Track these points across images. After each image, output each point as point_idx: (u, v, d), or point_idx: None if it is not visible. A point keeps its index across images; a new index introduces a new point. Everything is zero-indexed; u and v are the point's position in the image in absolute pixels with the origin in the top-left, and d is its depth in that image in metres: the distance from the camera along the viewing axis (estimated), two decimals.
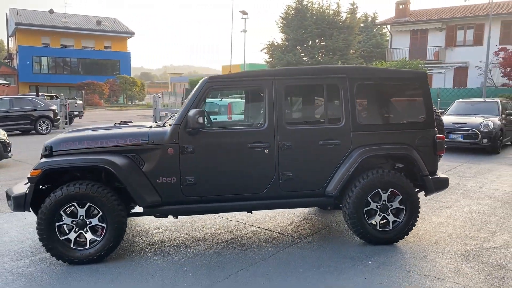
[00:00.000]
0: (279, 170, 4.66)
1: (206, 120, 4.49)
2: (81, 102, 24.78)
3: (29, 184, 4.55)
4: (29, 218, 5.82)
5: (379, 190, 4.74)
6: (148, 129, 4.65)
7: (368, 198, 4.73)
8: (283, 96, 4.69)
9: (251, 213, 4.90)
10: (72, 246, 4.33)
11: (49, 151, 4.43)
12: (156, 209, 4.54)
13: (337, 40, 35.61)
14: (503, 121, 11.90)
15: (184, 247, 4.84)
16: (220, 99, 15.43)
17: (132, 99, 48.27)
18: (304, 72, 4.87)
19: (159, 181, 4.50)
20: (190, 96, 4.66)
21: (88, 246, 4.36)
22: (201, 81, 4.66)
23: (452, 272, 4.08)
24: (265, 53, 38.70)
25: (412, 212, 4.78)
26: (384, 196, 4.76)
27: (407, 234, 4.81)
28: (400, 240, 4.82)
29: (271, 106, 4.65)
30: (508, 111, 12.51)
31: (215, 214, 5.89)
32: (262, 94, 4.73)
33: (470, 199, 6.80)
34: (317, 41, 37.30)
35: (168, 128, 4.58)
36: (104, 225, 4.36)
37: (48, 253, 4.30)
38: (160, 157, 4.49)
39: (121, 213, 4.39)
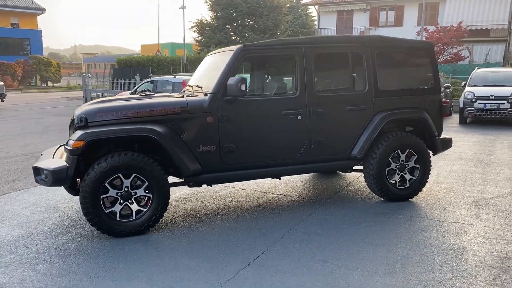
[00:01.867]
0: (310, 136, 4.87)
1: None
2: (2, 83, 22.61)
3: (63, 157, 4.31)
4: (31, 198, 5.47)
5: (399, 151, 5.15)
6: (185, 98, 4.60)
7: (389, 159, 5.13)
8: (313, 64, 4.88)
9: (280, 178, 5.09)
10: (117, 218, 4.22)
11: (84, 122, 4.22)
12: (197, 178, 4.55)
13: (267, 19, 35.99)
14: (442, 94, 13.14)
15: (220, 214, 4.91)
16: (174, 76, 15.14)
17: (46, 81, 44.92)
18: (331, 41, 5.10)
19: (199, 150, 4.50)
20: (224, 66, 4.66)
21: (134, 217, 4.27)
22: (235, 49, 4.69)
23: (474, 218, 4.63)
24: (194, 31, 38.02)
25: (425, 170, 5.27)
26: (402, 157, 5.19)
27: (421, 190, 5.30)
28: (415, 196, 5.30)
29: (302, 74, 4.82)
30: (446, 84, 13.79)
31: (225, 184, 5.97)
32: (293, 63, 4.88)
33: (445, 161, 7.55)
34: (246, 20, 37.39)
35: (205, 97, 4.57)
36: (150, 195, 4.28)
37: (93, 227, 4.15)
38: (199, 125, 4.49)
39: (166, 182, 4.35)
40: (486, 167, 7.06)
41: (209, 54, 5.78)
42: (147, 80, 15.24)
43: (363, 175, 5.29)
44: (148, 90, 13.03)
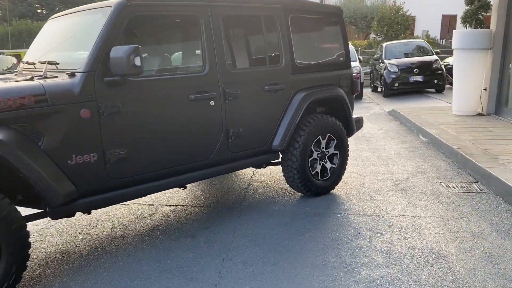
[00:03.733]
0: (227, 126, 3.65)
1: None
2: None
3: None
4: None
5: (320, 137, 4.32)
6: (38, 82, 2.85)
7: (311, 147, 4.26)
8: (222, 30, 3.61)
9: (185, 187, 3.73)
10: None
11: None
12: (70, 206, 2.91)
13: None
14: None
15: (105, 251, 3.34)
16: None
17: None
18: None
19: (71, 162, 2.88)
20: (98, 30, 3.04)
21: None
22: (114, 4, 3.08)
23: (413, 207, 4.10)
24: None
25: (344, 156, 4.57)
26: (323, 143, 4.38)
27: (340, 179, 4.60)
28: (334, 188, 4.57)
29: (211, 43, 3.52)
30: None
31: None
32: (197, 29, 3.52)
33: None
34: None
35: (72, 78, 2.92)
36: None
37: None
38: (69, 124, 2.85)
39: (22, 224, 2.64)
40: (368, 143, 6.85)
41: (54, 17, 3.95)
42: None
43: (282, 169, 4.30)
44: None
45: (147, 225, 3.85)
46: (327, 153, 4.43)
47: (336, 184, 4.55)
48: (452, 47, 8.70)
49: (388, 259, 3.12)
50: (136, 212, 4.14)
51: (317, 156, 4.35)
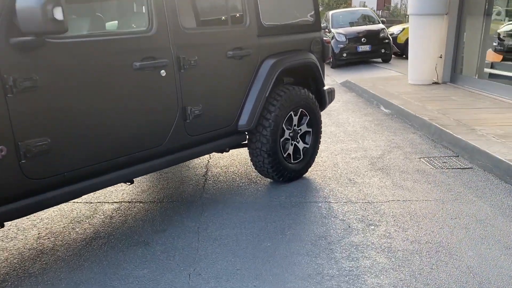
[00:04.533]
0: (184, 104, 2.87)
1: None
2: None
3: None
4: None
5: (292, 112, 3.66)
6: None
7: (283, 125, 3.60)
8: None
9: (132, 182, 2.93)
10: None
11: None
12: None
13: None
14: None
15: (28, 274, 2.50)
16: None
17: None
18: None
19: None
20: None
21: None
22: None
23: (402, 190, 3.58)
24: None
25: (318, 133, 3.95)
26: (295, 120, 3.72)
27: (314, 160, 3.99)
28: (307, 171, 3.96)
29: None
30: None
31: None
32: None
33: None
34: None
35: None
36: None
37: None
38: None
39: None
40: (329, 117, 6.30)
41: None
42: None
43: (248, 153, 3.61)
44: None
45: (85, 231, 3.03)
46: (299, 131, 3.79)
47: (310, 166, 3.94)
48: (408, 13, 8.32)
49: (393, 259, 2.56)
50: (70, 214, 3.29)
51: (289, 135, 3.69)
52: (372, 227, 2.95)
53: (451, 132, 4.63)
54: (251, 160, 3.61)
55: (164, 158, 2.83)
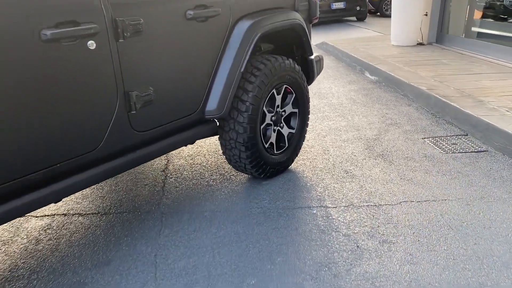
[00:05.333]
0: (125, 88, 2.00)
1: None
2: None
3: None
4: None
5: (274, 90, 2.84)
6: None
7: (264, 108, 2.79)
8: None
9: (60, 200, 2.08)
10: None
11: None
12: None
13: None
14: None
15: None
16: None
17: None
18: None
19: None
20: None
21: None
22: None
23: (410, 183, 2.88)
24: None
25: (305, 114, 3.17)
26: (278, 100, 2.92)
27: (300, 148, 3.22)
28: (293, 162, 3.19)
29: None
30: None
31: None
32: None
33: None
34: None
35: None
36: None
37: None
38: None
39: None
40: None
41: None
42: None
43: (220, 145, 2.80)
44: None
45: (2, 266, 2.19)
46: (283, 113, 2.99)
47: (296, 155, 3.17)
48: None
49: None
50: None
51: (271, 120, 2.89)
52: (387, 245, 2.25)
53: (457, 106, 3.94)
54: (224, 153, 2.81)
55: (101, 167, 1.99)
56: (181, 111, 2.33)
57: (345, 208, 2.61)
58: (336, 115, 4.33)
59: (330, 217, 2.51)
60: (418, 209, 2.57)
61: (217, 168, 3.19)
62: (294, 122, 3.10)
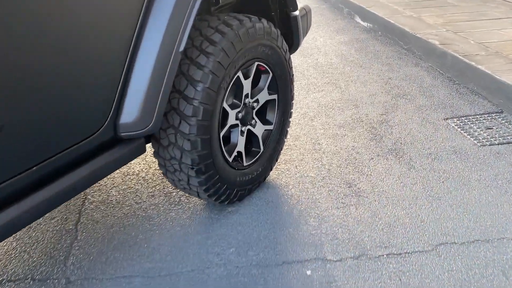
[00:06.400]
0: None
1: None
2: None
3: None
4: None
5: (240, 73, 1.78)
6: None
7: (224, 104, 1.74)
8: None
9: None
10: None
11: None
12: None
13: None
14: None
15: None
16: None
17: None
18: None
19: None
20: None
21: None
22: None
23: (448, 208, 1.96)
24: None
25: (287, 101, 2.14)
26: (247, 85, 1.86)
27: (282, 149, 2.22)
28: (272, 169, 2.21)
29: None
30: None
31: None
32: None
33: None
34: None
35: None
36: None
37: None
38: None
39: None
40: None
41: None
42: None
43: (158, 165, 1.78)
44: None
45: None
46: (255, 105, 1.95)
47: (277, 159, 2.18)
48: None
49: None
50: None
51: (237, 118, 1.86)
52: None
53: (485, 70, 2.96)
54: (165, 175, 1.80)
55: None
56: (68, 134, 1.28)
57: (356, 261, 1.68)
58: (325, 82, 3.30)
59: (334, 283, 1.58)
60: (464, 258, 1.66)
61: (162, 188, 2.18)
62: (271, 115, 2.08)
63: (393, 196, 2.03)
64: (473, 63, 3.07)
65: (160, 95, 1.45)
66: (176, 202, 2.03)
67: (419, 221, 1.87)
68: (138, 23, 1.37)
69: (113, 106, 1.38)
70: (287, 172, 2.24)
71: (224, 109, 1.75)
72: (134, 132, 1.43)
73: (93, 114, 1.33)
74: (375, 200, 2.01)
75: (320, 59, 3.77)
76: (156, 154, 1.72)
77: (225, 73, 1.63)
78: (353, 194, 2.05)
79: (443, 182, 2.12)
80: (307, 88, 3.20)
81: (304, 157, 2.36)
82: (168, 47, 1.42)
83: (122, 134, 1.43)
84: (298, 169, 2.26)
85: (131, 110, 1.41)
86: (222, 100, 1.70)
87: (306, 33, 2.38)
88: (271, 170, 2.15)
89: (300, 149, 2.44)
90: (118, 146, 1.45)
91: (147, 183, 2.17)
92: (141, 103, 1.41)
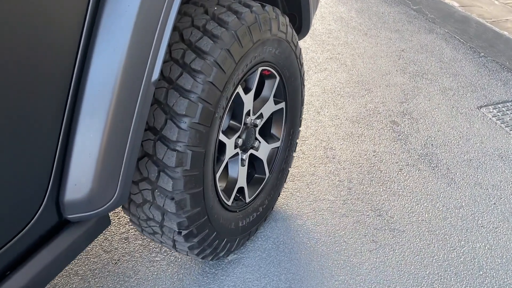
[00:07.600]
0: None
1: None
2: None
3: None
4: None
5: (239, 88, 1.24)
6: None
7: (221, 135, 1.22)
8: None
9: None
10: None
11: None
12: None
13: None
14: None
15: None
16: None
17: None
18: None
19: None
20: None
21: None
22: None
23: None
24: None
25: (296, 109, 1.62)
26: (248, 101, 1.33)
27: (288, 171, 1.72)
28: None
29: None
30: None
31: None
32: None
33: None
34: None
35: None
36: None
37: None
38: None
39: None
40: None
41: None
42: None
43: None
44: None
45: None
46: (257, 123, 1.42)
47: (284, 182, 1.68)
48: None
49: None
50: None
51: (237, 145, 1.34)
52: None
53: None
54: (140, 233, 1.30)
55: None
56: None
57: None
58: (327, 57, 2.76)
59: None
60: None
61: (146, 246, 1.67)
62: (278, 129, 1.57)
63: (436, 228, 1.59)
64: (505, 33, 2.57)
65: (126, 150, 0.92)
66: (157, 251, 1.54)
67: (477, 268, 1.45)
68: (80, 40, 0.81)
69: (51, 178, 0.85)
70: (298, 194, 1.76)
71: (219, 141, 1.23)
72: (88, 213, 0.91)
73: (18, 197, 0.80)
74: (415, 236, 1.57)
75: (316, 25, 3.20)
76: (126, 211, 1.21)
77: (220, 96, 1.10)
78: (386, 227, 1.60)
79: (494, 204, 1.69)
80: (306, 66, 2.66)
81: (316, 170, 1.87)
82: (133, 77, 0.87)
83: (69, 217, 0.91)
84: (310, 188, 1.78)
85: (79, 180, 0.88)
86: (218, 133, 1.18)
87: (315, 11, 1.82)
88: (278, 196, 1.66)
89: (309, 157, 1.95)
90: (66, 230, 0.93)
91: (120, 225, 1.66)
92: (95, 168, 0.88)
